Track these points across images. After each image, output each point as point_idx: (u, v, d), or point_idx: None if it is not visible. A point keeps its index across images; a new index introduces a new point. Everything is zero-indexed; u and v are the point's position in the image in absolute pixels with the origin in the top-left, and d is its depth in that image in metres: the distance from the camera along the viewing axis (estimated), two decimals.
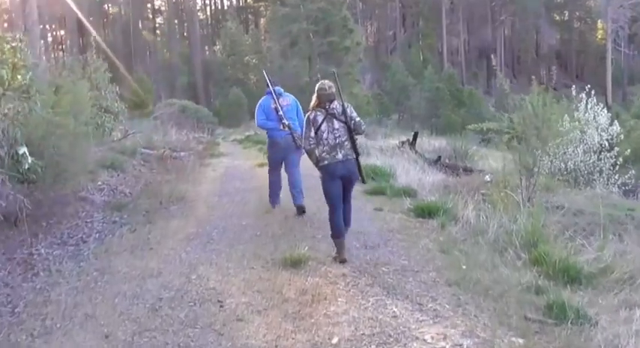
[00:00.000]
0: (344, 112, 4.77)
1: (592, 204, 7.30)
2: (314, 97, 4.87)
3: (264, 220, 6.28)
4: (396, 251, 4.97)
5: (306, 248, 4.82)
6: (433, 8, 64.27)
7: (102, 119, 11.25)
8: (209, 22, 68.54)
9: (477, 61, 70.73)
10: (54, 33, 61.75)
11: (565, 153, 9.38)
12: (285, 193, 6.77)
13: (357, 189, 7.78)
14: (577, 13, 73.99)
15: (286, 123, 6.46)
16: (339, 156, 4.76)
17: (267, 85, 6.66)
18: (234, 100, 32.65)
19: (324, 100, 4.81)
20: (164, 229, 5.96)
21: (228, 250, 5.13)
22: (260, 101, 6.81)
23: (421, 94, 45.35)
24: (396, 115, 48.07)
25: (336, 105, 4.81)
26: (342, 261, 4.68)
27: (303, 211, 6.51)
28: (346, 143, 4.78)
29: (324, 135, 4.77)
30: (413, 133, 14.10)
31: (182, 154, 12.86)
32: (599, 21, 72.54)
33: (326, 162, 4.77)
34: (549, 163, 9.21)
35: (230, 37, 43.77)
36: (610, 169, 9.43)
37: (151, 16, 63.25)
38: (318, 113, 4.82)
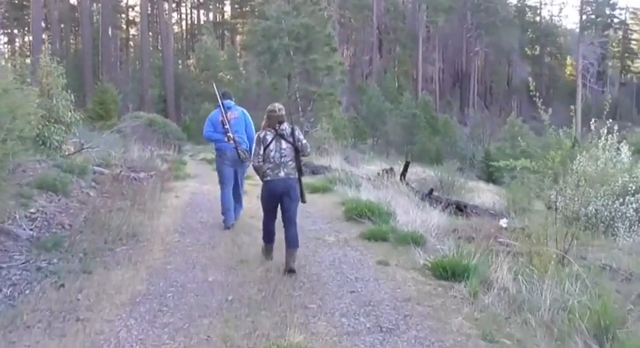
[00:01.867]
0: (292, 134, 5.11)
1: (636, 263, 6.05)
2: (265, 118, 5.21)
3: (237, 274, 4.81)
4: (423, 338, 3.56)
5: (300, 335, 3.38)
6: (410, 36, 64.28)
7: (50, 131, 9.68)
8: (184, 36, 67.11)
9: (450, 89, 70.91)
10: (23, 38, 59.30)
11: (584, 195, 8.18)
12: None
13: (353, 233, 6.44)
14: (548, 49, 75.37)
15: (231, 136, 6.71)
16: (282, 174, 5.10)
17: (218, 98, 6.96)
18: (206, 116, 30.86)
19: (274, 122, 5.14)
20: (103, 284, 4.43)
21: (186, 326, 3.64)
22: (210, 114, 7.18)
23: (397, 119, 44.71)
24: (370, 140, 47.29)
25: (285, 126, 5.15)
26: (270, 259, 5.30)
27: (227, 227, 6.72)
28: (290, 163, 5.13)
29: (272, 154, 5.09)
30: (404, 163, 12.83)
31: (142, 174, 11.27)
32: (568, 57, 74.08)
33: (268, 178, 5.13)
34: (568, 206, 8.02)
35: (205, 52, 42.42)
36: (634, 216, 8.28)
37: (124, 26, 61.47)
38: (268, 133, 5.14)
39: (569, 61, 76.41)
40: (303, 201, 5.37)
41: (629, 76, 77.65)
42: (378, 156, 33.87)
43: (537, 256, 4.98)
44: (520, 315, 3.99)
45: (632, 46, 75.41)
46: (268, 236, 5.36)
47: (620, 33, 74.12)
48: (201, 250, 5.63)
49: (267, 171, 5.10)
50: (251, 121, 7.01)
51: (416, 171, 21.11)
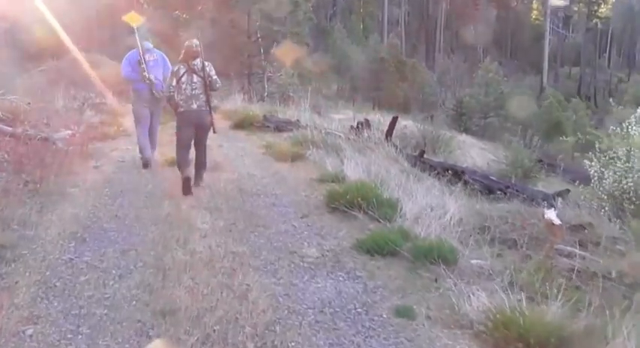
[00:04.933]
0: (203, 69, 5.50)
1: None
2: (182, 52, 5.58)
3: None
4: None
5: None
6: None
7: None
8: None
9: (416, 33, 68.33)
10: None
11: (631, 170, 6.24)
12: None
13: (344, 239, 4.27)
14: None
15: (146, 75, 6.71)
16: (194, 106, 5.53)
17: (136, 39, 6.81)
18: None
19: (189, 57, 5.54)
20: None
21: None
22: (127, 54, 6.99)
23: (364, 64, 42.30)
24: (335, 86, 44.86)
25: (197, 62, 5.53)
26: (187, 178, 5.52)
27: (149, 165, 6.85)
28: (202, 96, 5.54)
29: (184, 86, 5.50)
30: (391, 119, 10.62)
31: (62, 132, 8.78)
32: (534, 1, 72.30)
33: (182, 109, 5.55)
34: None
35: None
36: None
37: None
38: (182, 67, 5.55)
39: (535, 5, 74.77)
40: (214, 131, 5.78)
41: (594, 21, 76.51)
42: (345, 103, 31.58)
43: None
44: None
45: None
46: (184, 163, 5.64)
47: None
48: (99, 284, 3.39)
49: (181, 102, 5.50)
50: (169, 66, 6.77)
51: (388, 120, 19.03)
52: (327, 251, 4.02)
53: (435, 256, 3.78)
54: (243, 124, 10.80)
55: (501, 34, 71.71)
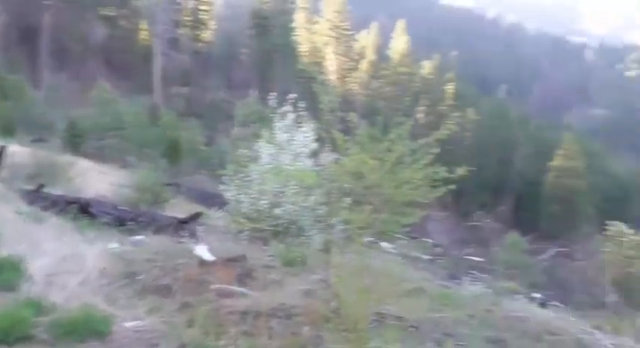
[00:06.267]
0: None
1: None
2: None
3: None
4: None
5: None
6: None
7: None
8: None
9: (17, 46, 61.52)
10: None
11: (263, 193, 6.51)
12: None
13: None
14: (124, 11, 73.47)
15: None
16: None
17: None
18: None
19: None
20: None
21: None
22: None
23: None
24: None
25: None
26: None
27: None
28: None
29: None
30: None
31: None
32: (143, 22, 74.21)
33: None
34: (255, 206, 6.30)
35: None
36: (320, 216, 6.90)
37: None
38: None
39: (144, 25, 76.57)
40: None
41: (200, 45, 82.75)
42: None
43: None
44: None
45: (201, 16, 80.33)
46: None
47: (192, 2, 77.95)
48: None
49: None
50: None
51: None
52: None
53: (82, 332, 3.04)
54: None
55: (112, 53, 70.51)
